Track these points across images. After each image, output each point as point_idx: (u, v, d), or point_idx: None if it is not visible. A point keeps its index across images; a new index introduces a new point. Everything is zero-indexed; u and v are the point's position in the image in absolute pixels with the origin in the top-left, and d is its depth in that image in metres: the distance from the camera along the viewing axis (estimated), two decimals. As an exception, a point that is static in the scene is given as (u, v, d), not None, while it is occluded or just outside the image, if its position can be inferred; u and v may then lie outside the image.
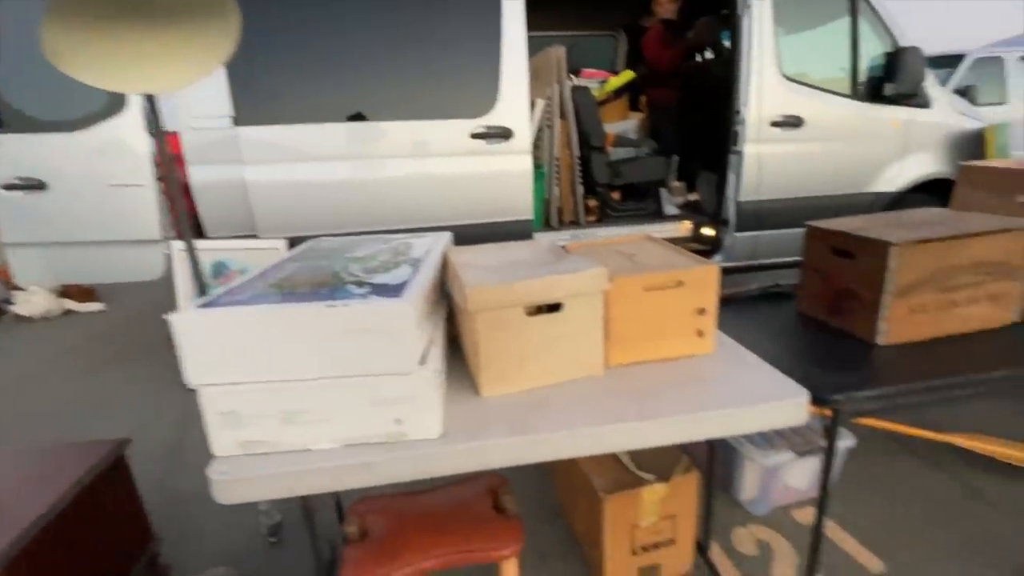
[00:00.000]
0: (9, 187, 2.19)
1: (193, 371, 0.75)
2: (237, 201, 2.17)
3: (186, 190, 2.17)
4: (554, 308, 0.88)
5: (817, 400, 0.86)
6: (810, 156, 2.72)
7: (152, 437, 2.21)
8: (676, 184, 3.50)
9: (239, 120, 2.04)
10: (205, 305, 0.77)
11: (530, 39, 3.32)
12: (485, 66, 2.09)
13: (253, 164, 2.09)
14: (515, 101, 2.13)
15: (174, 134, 2.12)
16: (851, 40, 2.74)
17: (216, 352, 0.75)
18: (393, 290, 0.78)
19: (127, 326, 3.49)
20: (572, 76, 3.10)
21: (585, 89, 2.82)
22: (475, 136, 2.13)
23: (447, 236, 1.24)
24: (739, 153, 2.62)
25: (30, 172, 2.17)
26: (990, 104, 5.06)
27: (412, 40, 2.06)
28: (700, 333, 0.98)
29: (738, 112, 2.57)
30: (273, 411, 0.77)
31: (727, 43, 2.95)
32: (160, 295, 2.31)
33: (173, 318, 0.73)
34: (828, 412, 0.90)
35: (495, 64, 2.08)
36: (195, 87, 2.11)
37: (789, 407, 0.82)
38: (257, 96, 2.03)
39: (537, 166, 2.70)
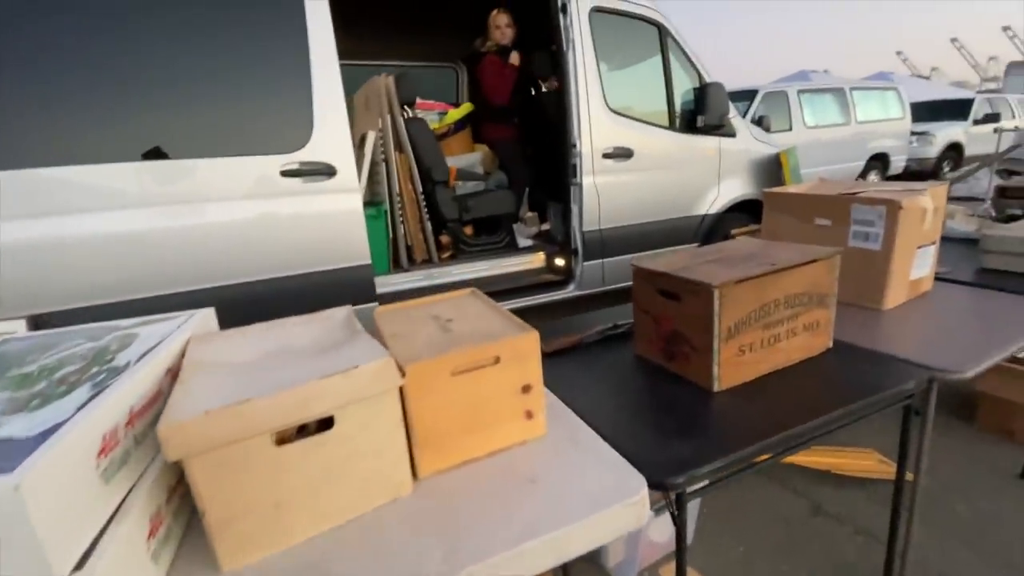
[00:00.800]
0: None
1: None
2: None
3: None
4: (325, 424, 0.64)
5: (656, 485, 0.73)
6: (641, 185, 2.86)
7: None
8: (529, 215, 3.50)
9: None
10: None
11: (362, 68, 3.09)
12: (291, 95, 1.79)
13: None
14: (334, 133, 1.87)
15: None
16: (665, 76, 2.96)
17: None
18: (17, 449, 0.47)
19: None
20: (408, 108, 2.93)
21: (420, 121, 2.66)
22: (287, 174, 1.81)
23: (203, 315, 0.93)
24: (579, 185, 2.65)
25: None
26: (780, 131, 6.03)
27: (201, 65, 1.70)
28: (529, 414, 0.80)
29: (574, 145, 2.60)
30: None
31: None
32: None
33: None
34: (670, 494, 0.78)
35: (304, 93, 1.80)
36: None
37: (628, 511, 0.67)
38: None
39: (376, 203, 2.45)
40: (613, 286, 2.86)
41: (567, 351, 1.22)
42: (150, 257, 1.73)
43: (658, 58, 2.96)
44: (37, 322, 1.66)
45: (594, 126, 2.63)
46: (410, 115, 2.90)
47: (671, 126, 3.00)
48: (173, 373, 0.74)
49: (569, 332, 1.28)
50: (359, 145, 2.42)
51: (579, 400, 0.95)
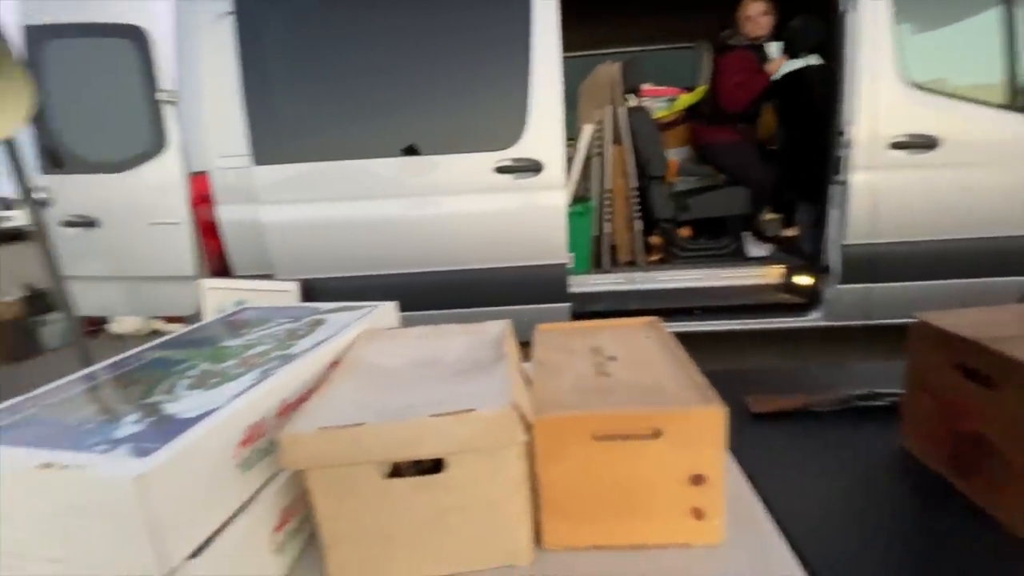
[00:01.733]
0: (66, 224, 2.33)
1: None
2: (260, 240, 2.10)
3: (215, 228, 2.15)
4: (440, 466, 0.56)
5: None
6: (947, 186, 2.07)
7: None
8: (770, 217, 2.93)
9: (256, 160, 1.97)
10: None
11: (588, 58, 3.02)
12: (510, 93, 1.82)
13: (267, 204, 2.00)
14: (546, 130, 1.83)
15: (204, 174, 2.11)
16: (1007, 33, 2.06)
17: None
18: (165, 433, 0.52)
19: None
20: (631, 95, 2.72)
21: (642, 110, 2.45)
22: (500, 170, 1.86)
23: (385, 308, 0.96)
24: (843, 183, 2.06)
25: (84, 210, 2.30)
26: None
27: (429, 71, 1.87)
28: (698, 513, 0.59)
29: (842, 132, 2.02)
30: (5, 596, 0.54)
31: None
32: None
33: None
34: None
35: (522, 90, 1.81)
36: (223, 127, 2.11)
37: None
38: (271, 135, 1.96)
39: (584, 199, 2.36)
40: (879, 322, 2.17)
41: (785, 415, 0.91)
42: (393, 240, 2.00)
43: (995, 9, 2.07)
44: (306, 284, 2.11)
45: (882, 106, 1.99)
46: (634, 103, 2.70)
47: (1011, 105, 2.08)
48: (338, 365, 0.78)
49: (795, 386, 0.97)
50: (577, 138, 2.36)
51: (786, 499, 0.67)
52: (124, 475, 0.45)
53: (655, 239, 2.50)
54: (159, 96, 2.14)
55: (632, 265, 2.42)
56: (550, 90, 1.80)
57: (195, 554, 0.50)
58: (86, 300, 2.58)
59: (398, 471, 0.56)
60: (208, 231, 2.17)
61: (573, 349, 0.77)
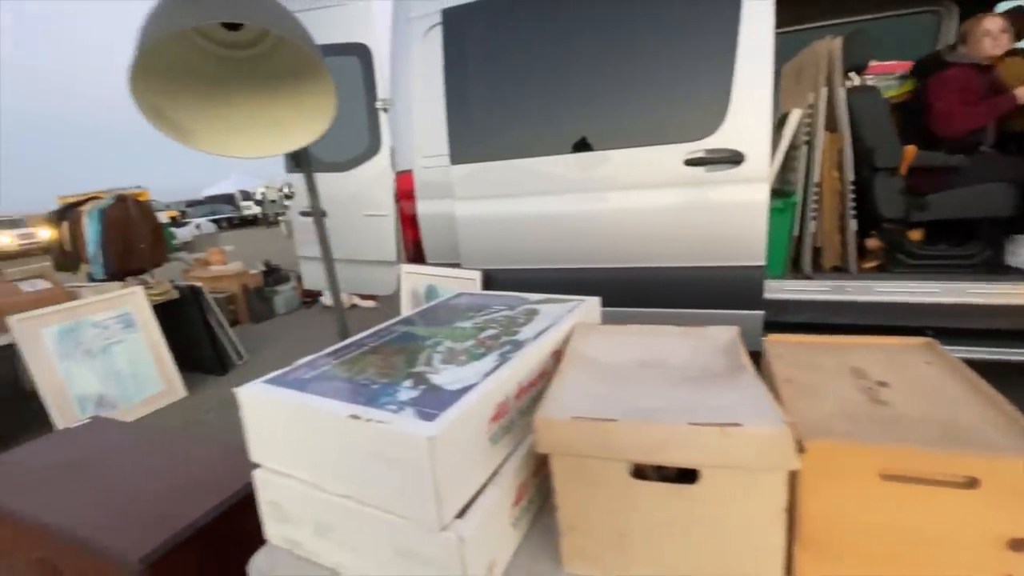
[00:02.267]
0: (303, 213, 2.83)
1: (252, 448, 0.70)
2: (451, 232, 2.31)
3: (416, 220, 2.43)
4: (689, 473, 0.53)
5: None
6: None
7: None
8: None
9: (452, 159, 2.15)
10: (274, 378, 0.71)
11: (798, 34, 2.67)
12: (710, 78, 1.68)
13: (460, 200, 2.17)
14: (751, 117, 1.66)
15: (409, 172, 2.38)
16: None
17: (268, 434, 0.68)
18: (442, 400, 0.58)
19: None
20: (855, 74, 2.32)
21: (870, 90, 2.07)
22: (690, 163, 1.75)
23: (590, 304, 0.97)
24: None
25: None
26: None
27: (622, 63, 1.82)
28: (1020, 588, 0.47)
29: None
30: (308, 516, 0.66)
31: None
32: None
33: (239, 391, 0.69)
34: None
35: (725, 74, 1.66)
36: (428, 129, 2.35)
37: None
38: (466, 136, 2.11)
39: (786, 194, 2.10)
40: None
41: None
42: (573, 235, 2.02)
43: None
44: (487, 274, 2.25)
45: None
46: (856, 83, 2.30)
47: None
48: (557, 356, 0.80)
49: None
50: (777, 126, 2.10)
51: None
52: (420, 434, 0.51)
53: (872, 242, 2.11)
54: (378, 105, 2.47)
55: (840, 271, 2.08)
56: (759, 72, 1.61)
57: (460, 515, 0.56)
58: (310, 276, 3.13)
59: (639, 471, 0.55)
60: (409, 222, 2.46)
61: (822, 367, 0.68)
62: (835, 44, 2.01)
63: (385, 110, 2.52)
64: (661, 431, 0.51)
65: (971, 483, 0.46)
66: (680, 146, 1.74)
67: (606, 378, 0.67)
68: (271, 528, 0.71)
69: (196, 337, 3.09)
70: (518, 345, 0.75)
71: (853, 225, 2.04)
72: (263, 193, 16.89)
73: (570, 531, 0.59)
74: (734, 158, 1.68)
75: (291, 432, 0.64)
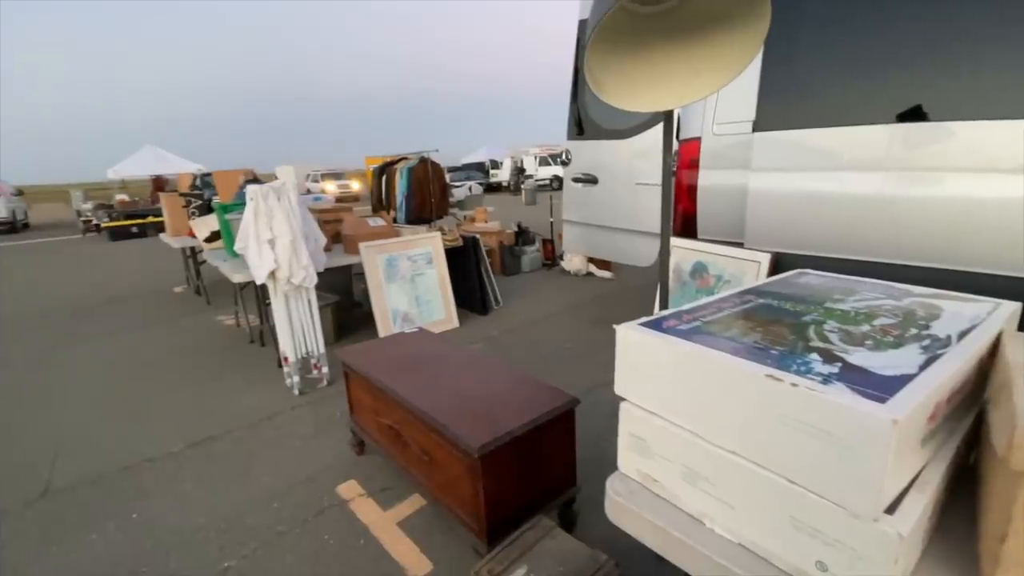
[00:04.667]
0: (576, 180, 2.98)
1: (619, 382, 0.77)
2: (734, 207, 2.15)
3: (693, 192, 2.33)
4: None
5: None
6: None
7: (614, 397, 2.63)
8: None
9: (757, 126, 1.96)
10: (647, 323, 0.76)
11: None
12: None
13: (758, 171, 1.98)
14: None
15: (696, 140, 2.28)
16: None
17: (640, 373, 0.73)
18: (878, 383, 0.53)
19: (622, 293, 4.27)
20: None
21: None
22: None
23: (1012, 309, 0.77)
24: None
25: (590, 169, 2.87)
26: None
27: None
28: None
29: None
30: (677, 460, 0.69)
31: None
32: (653, 277, 2.65)
33: (618, 329, 0.76)
34: None
35: None
36: (727, 95, 2.18)
37: None
38: (783, 99, 1.88)
39: None
40: None
41: None
42: (884, 222, 1.67)
43: None
44: (775, 258, 2.03)
45: None
46: None
47: None
48: (983, 365, 0.66)
49: None
50: None
51: None
52: (881, 415, 0.47)
53: None
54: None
55: None
56: None
57: (889, 510, 0.51)
58: (568, 239, 3.32)
59: None
60: (685, 194, 2.37)
61: None
62: None
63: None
64: None
65: None
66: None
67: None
68: (628, 460, 0.77)
69: (469, 280, 3.63)
70: (940, 342, 0.63)
71: None
72: (521, 161, 19.23)
73: (1017, 567, 0.48)
74: None
75: (672, 377, 0.68)
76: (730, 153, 2.12)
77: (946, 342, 0.63)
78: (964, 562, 0.56)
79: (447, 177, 5.90)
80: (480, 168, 21.11)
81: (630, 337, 0.74)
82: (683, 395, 0.67)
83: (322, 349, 2.57)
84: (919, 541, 0.55)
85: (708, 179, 2.25)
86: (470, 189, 13.21)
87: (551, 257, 5.58)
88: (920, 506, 0.52)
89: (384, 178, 5.54)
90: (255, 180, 3.71)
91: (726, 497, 0.63)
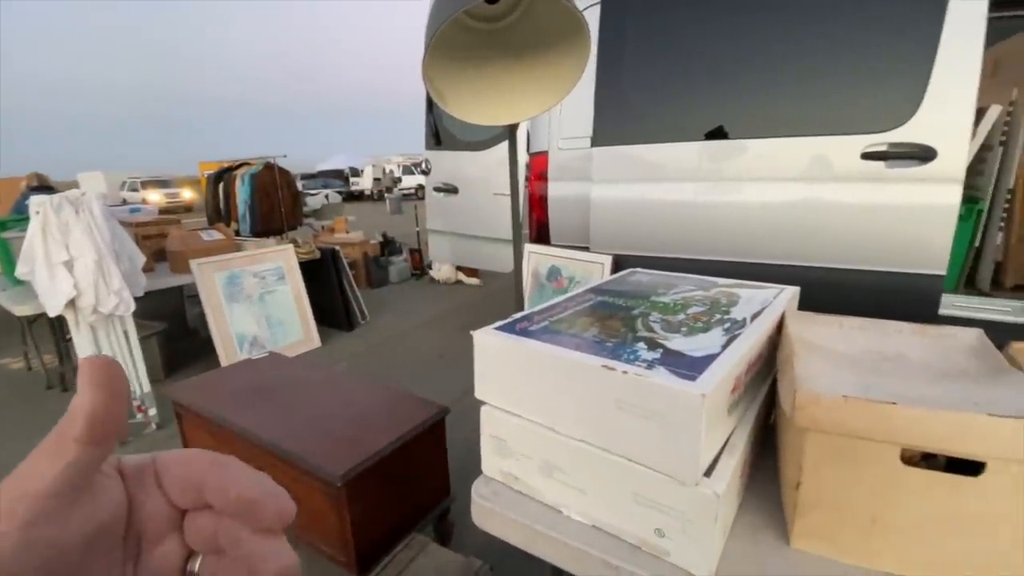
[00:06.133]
0: (436, 189, 2.99)
1: (479, 386, 0.77)
2: (580, 215, 2.33)
3: (545, 202, 2.47)
4: (960, 465, 0.52)
5: None
6: None
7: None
8: None
9: (594, 141, 2.16)
10: (502, 327, 0.78)
11: (1005, 21, 2.35)
12: (906, 63, 1.54)
13: (597, 183, 2.18)
14: (952, 109, 1.49)
15: (544, 153, 2.43)
16: None
17: (497, 375, 0.75)
18: (689, 364, 0.60)
19: (490, 299, 4.38)
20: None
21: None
22: (869, 156, 1.62)
23: (791, 293, 0.94)
24: None
25: (450, 179, 2.90)
26: None
27: (800, 42, 1.71)
28: None
29: None
30: (535, 455, 0.72)
31: None
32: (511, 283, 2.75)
33: (475, 334, 0.77)
34: None
35: (924, 60, 1.51)
36: (568, 112, 2.37)
37: None
38: (614, 118, 2.10)
39: (971, 200, 1.88)
40: None
41: None
42: (715, 225, 1.96)
43: None
44: (616, 259, 2.25)
45: None
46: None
47: None
48: (772, 340, 0.79)
49: None
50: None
51: None
52: (692, 391, 0.54)
53: (1072, 261, 1.84)
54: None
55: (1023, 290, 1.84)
56: (966, 60, 1.45)
57: (707, 473, 0.58)
58: (437, 249, 3.31)
59: (902, 460, 0.54)
60: (537, 203, 2.52)
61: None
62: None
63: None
64: (955, 420, 0.50)
65: None
66: (861, 138, 1.61)
67: (846, 366, 0.65)
68: (491, 462, 0.78)
69: (330, 295, 3.40)
70: (738, 324, 0.75)
71: (1053, 240, 1.78)
72: (391, 169, 18.73)
73: (811, 509, 0.59)
74: (923, 154, 1.53)
75: (526, 376, 0.70)
76: (573, 166, 2.30)
77: (742, 323, 0.75)
78: (773, 511, 0.67)
79: (300, 184, 5.47)
80: (339, 176, 20.04)
81: (486, 341, 0.75)
82: (536, 392, 0.70)
83: (147, 388, 2.19)
84: (735, 497, 0.65)
85: (557, 190, 2.41)
86: (327, 197, 12.49)
87: (420, 267, 5.51)
88: (731, 467, 0.60)
89: (222, 186, 4.95)
90: (45, 188, 3.04)
91: (579, 484, 0.67)
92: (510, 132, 1.27)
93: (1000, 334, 1.65)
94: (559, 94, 1.08)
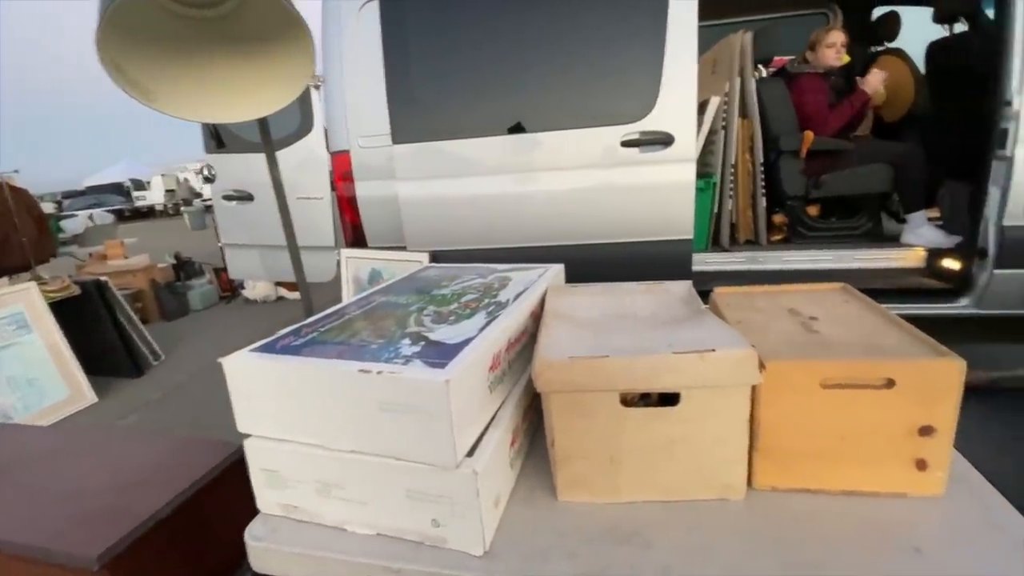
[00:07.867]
0: (226, 197, 2.65)
1: (239, 418, 0.70)
2: (393, 214, 2.28)
3: (355, 203, 2.36)
4: (668, 399, 0.62)
5: None
6: None
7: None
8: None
9: (394, 138, 2.12)
10: (261, 347, 0.71)
11: (715, 28, 2.90)
12: (643, 64, 1.81)
13: (403, 180, 2.15)
14: (678, 102, 1.81)
15: (346, 152, 2.31)
16: None
17: (259, 402, 0.68)
18: (446, 352, 0.62)
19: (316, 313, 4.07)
20: (761, 67, 2.59)
21: (775, 81, 2.32)
22: (627, 144, 1.87)
23: (556, 270, 1.04)
24: (1008, 159, 1.86)
25: (241, 185, 2.60)
26: None
27: (560, 49, 1.90)
28: (921, 464, 0.60)
29: (1009, 103, 1.82)
30: (310, 478, 0.67)
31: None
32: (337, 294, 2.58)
33: (224, 361, 0.68)
34: None
35: (656, 62, 1.79)
36: (366, 109, 2.29)
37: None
38: (407, 115, 2.09)
39: (706, 175, 2.31)
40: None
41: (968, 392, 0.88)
42: (518, 214, 2.07)
43: None
44: (433, 256, 2.26)
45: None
46: (763, 75, 2.56)
47: None
48: (536, 315, 0.86)
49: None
50: (699, 111, 2.30)
51: (987, 464, 0.67)
52: (437, 379, 0.55)
53: (778, 218, 2.39)
54: (308, 82, 2.37)
55: (752, 244, 2.33)
56: (685, 61, 1.77)
57: (469, 453, 0.60)
58: (235, 265, 2.95)
59: (626, 402, 0.63)
60: (348, 205, 2.39)
61: (763, 309, 0.79)
62: (746, 38, 2.22)
63: (317, 87, 2.42)
64: (650, 361, 0.59)
65: (889, 384, 0.58)
66: (618, 128, 1.86)
67: (587, 328, 0.74)
68: (265, 496, 0.71)
69: (105, 337, 2.80)
70: (501, 305, 0.80)
71: (763, 203, 2.29)
72: (186, 178, 15.69)
73: (566, 462, 0.65)
74: (665, 140, 1.83)
75: (288, 397, 0.65)
76: (378, 164, 2.24)
77: (505, 304, 0.80)
78: (549, 472, 0.73)
79: (59, 206, 4.38)
80: (118, 190, 16.61)
81: (237, 366, 0.67)
82: (301, 411, 0.65)
83: None
84: (506, 469, 0.68)
85: (365, 190, 2.32)
86: (91, 219, 10.21)
87: (230, 288, 4.85)
88: (494, 441, 0.63)
89: (-80, 217, 3.72)
90: None
91: (357, 496, 0.65)
92: (261, 127, 1.17)
93: (737, 280, 2.01)
94: (289, 93, 1.02)
